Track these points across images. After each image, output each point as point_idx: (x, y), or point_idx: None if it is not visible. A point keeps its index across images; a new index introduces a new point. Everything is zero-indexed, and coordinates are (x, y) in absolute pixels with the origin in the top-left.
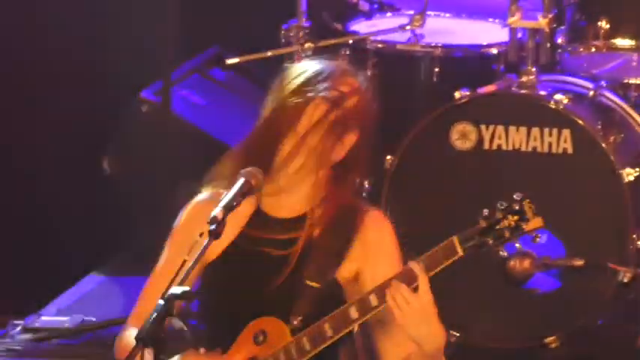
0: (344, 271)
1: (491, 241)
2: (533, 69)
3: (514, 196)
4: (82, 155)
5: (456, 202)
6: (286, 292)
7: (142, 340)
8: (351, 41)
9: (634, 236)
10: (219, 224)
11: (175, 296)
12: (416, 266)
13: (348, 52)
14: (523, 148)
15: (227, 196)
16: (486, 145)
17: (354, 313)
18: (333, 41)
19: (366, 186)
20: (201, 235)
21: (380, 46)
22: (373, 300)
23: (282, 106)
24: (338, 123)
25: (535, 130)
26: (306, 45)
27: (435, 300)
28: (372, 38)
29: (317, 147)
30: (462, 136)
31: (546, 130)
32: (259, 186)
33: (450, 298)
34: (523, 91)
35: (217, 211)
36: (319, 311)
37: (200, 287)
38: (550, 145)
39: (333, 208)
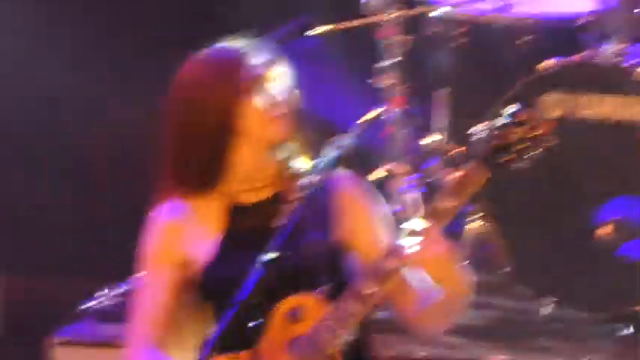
0: (334, 235)
1: (506, 159)
2: (625, 38)
3: (513, 107)
4: None
5: (541, 174)
6: (294, 271)
7: None
8: (440, 10)
9: None
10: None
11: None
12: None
13: (434, 23)
14: (610, 118)
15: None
16: (575, 115)
17: (389, 262)
18: (421, 9)
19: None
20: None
21: (467, 16)
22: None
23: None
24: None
25: (622, 100)
26: (392, 16)
27: (531, 266)
28: (460, 7)
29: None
30: (551, 105)
31: (634, 100)
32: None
33: (546, 265)
34: (613, 61)
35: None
36: (333, 272)
37: (201, 290)
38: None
39: (298, 182)
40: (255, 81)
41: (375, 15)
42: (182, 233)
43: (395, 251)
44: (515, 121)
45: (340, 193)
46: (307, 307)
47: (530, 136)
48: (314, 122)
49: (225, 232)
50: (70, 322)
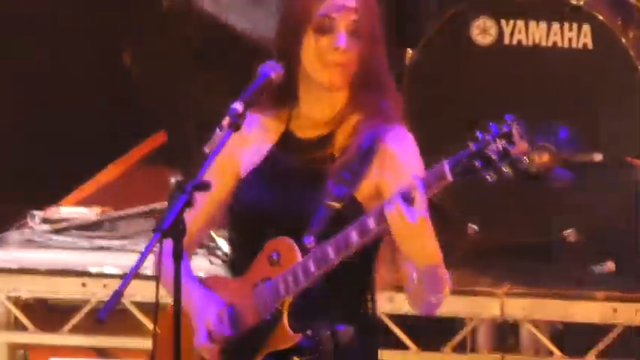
0: (364, 190)
1: (479, 165)
2: None
3: (505, 118)
4: (103, 48)
5: (475, 98)
6: (306, 212)
7: (162, 231)
8: None
9: None
10: (239, 116)
11: (195, 186)
12: (414, 183)
13: None
14: (543, 44)
15: (247, 90)
16: (507, 40)
17: (354, 236)
18: None
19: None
20: (220, 128)
21: None
22: (371, 222)
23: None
24: (354, 33)
25: (555, 25)
26: None
27: (454, 195)
28: None
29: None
30: (483, 31)
31: (566, 25)
32: (278, 80)
33: (469, 193)
34: None
35: (237, 104)
36: (336, 232)
37: (229, 203)
38: (570, 40)
39: (357, 126)
40: (312, 25)
41: None
42: (243, 144)
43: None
44: (498, 138)
45: (386, 150)
46: (287, 254)
47: (507, 153)
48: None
49: (263, 161)
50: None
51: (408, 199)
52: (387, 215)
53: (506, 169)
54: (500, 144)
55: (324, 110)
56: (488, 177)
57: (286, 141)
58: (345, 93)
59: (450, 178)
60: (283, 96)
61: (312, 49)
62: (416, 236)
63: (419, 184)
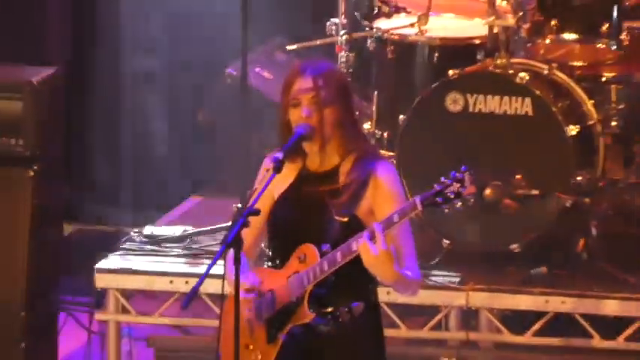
0: (362, 208)
1: (440, 201)
2: (505, 55)
3: (462, 168)
4: (186, 109)
5: (449, 151)
6: (322, 225)
7: (226, 244)
8: (375, 34)
9: (575, 174)
10: (281, 162)
11: (250, 213)
12: (375, 227)
13: (373, 43)
14: (497, 111)
15: (287, 144)
16: (471, 109)
17: (354, 246)
18: (362, 34)
19: (385, 137)
20: (267, 170)
21: (396, 38)
22: (356, 245)
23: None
24: (314, 104)
25: (506, 98)
26: (344, 37)
27: (432, 217)
28: (390, 32)
29: (317, 129)
30: (454, 102)
31: (514, 98)
32: (311, 137)
33: (444, 219)
34: (497, 70)
35: (279, 154)
36: (344, 240)
37: (268, 220)
38: (516, 109)
39: (354, 159)
40: (290, 104)
41: (332, 37)
42: (275, 179)
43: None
44: (455, 182)
45: (377, 179)
46: (310, 256)
47: (461, 194)
48: None
49: (286, 191)
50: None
51: (372, 237)
52: (358, 248)
53: (458, 204)
54: (456, 187)
55: (319, 157)
56: (446, 210)
57: (303, 174)
58: (331, 141)
59: (419, 208)
60: (300, 147)
61: (292, 118)
62: (379, 264)
63: (378, 229)
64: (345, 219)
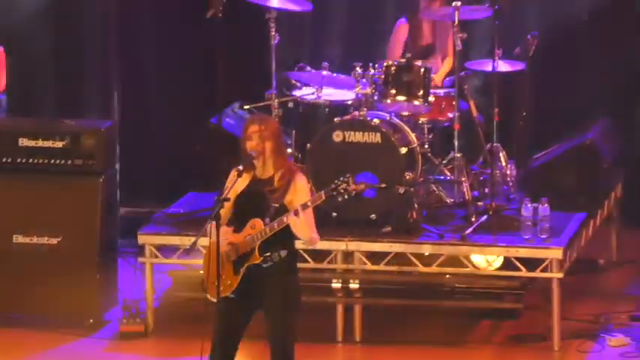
0: (287, 199)
1: (336, 194)
2: (365, 109)
3: (347, 175)
4: (185, 142)
5: (336, 165)
6: (264, 208)
7: (211, 217)
8: (293, 99)
9: (405, 174)
10: (241, 172)
11: (224, 199)
12: (299, 207)
13: (292, 103)
14: (361, 141)
15: (245, 162)
16: (348, 139)
17: (285, 219)
18: (285, 99)
19: (300, 157)
20: (235, 176)
21: (305, 100)
22: (286, 219)
23: (242, 141)
24: (259, 139)
25: (366, 133)
26: (276, 101)
27: (327, 202)
28: (300, 97)
29: (261, 153)
30: (337, 136)
31: (371, 133)
32: (257, 158)
33: (334, 201)
34: (361, 118)
35: (241, 167)
36: (277, 217)
37: (234, 205)
38: (372, 139)
39: (282, 171)
40: (246, 138)
41: (270, 100)
42: (238, 181)
43: (289, 213)
44: (342, 183)
45: (296, 183)
46: (258, 225)
47: (346, 190)
48: None
49: (244, 189)
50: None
51: (296, 214)
52: (288, 219)
53: (345, 196)
54: (343, 186)
55: (263, 169)
56: (339, 199)
57: (254, 179)
58: (269, 160)
59: (324, 198)
60: (252, 163)
61: (247, 147)
62: (300, 228)
63: (300, 209)
64: (277, 205)
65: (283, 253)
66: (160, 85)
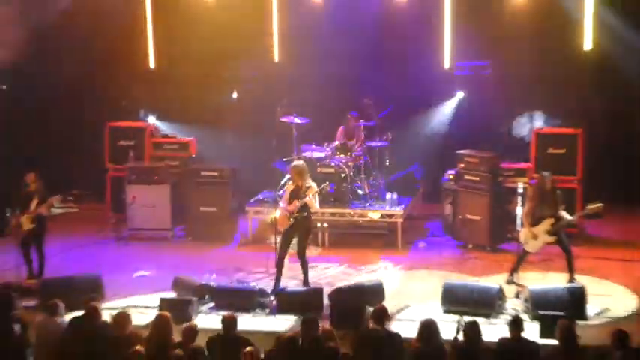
0: (306, 196)
1: (321, 191)
2: (328, 159)
3: (327, 182)
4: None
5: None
6: (299, 197)
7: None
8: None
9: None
10: (285, 184)
11: (279, 195)
12: (309, 196)
13: (302, 162)
14: (329, 172)
15: (286, 189)
16: (322, 171)
17: (305, 200)
18: (294, 156)
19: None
20: (287, 184)
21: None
22: (305, 200)
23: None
24: (296, 175)
25: (323, 169)
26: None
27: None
28: (308, 156)
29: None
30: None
31: (325, 169)
32: (295, 181)
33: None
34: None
35: (290, 183)
36: (301, 199)
37: (289, 196)
38: (327, 171)
39: (303, 185)
40: (292, 178)
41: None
42: (290, 186)
43: (295, 206)
44: (325, 186)
45: (310, 190)
46: (294, 204)
47: (324, 188)
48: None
49: (292, 190)
50: None
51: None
52: (306, 201)
53: (323, 192)
54: (326, 187)
55: (297, 185)
56: (322, 192)
57: (295, 187)
58: (300, 181)
59: (318, 192)
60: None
61: (293, 182)
62: (310, 204)
63: (310, 197)
64: (303, 197)
65: (305, 213)
66: None
